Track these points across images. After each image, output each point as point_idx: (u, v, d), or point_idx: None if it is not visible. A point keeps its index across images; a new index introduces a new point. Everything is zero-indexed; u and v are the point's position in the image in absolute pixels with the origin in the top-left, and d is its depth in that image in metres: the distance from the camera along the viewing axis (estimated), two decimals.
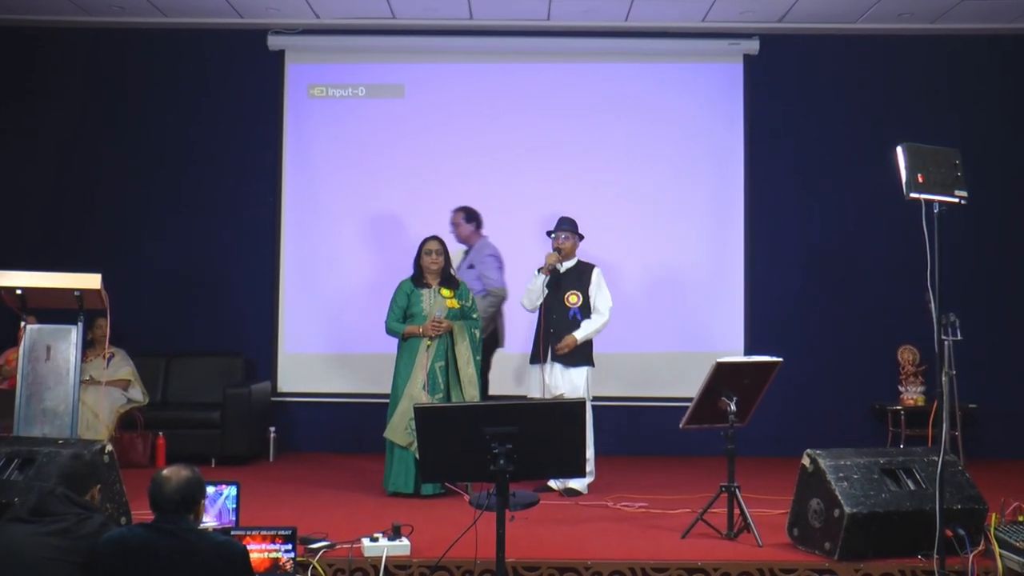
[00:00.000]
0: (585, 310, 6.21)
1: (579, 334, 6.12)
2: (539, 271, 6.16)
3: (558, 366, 6.11)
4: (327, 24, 7.97)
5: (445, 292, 6.19)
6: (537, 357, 6.14)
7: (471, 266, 6.78)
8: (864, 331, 7.82)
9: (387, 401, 6.17)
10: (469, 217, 6.96)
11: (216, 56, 8.08)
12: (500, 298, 6.79)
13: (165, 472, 3.24)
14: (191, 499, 3.21)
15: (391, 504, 5.78)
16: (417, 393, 6.00)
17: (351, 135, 7.98)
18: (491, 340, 6.81)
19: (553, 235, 6.29)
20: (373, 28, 7.98)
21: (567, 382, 6.10)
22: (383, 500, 5.92)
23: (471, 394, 6.06)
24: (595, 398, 6.27)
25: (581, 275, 6.28)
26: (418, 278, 6.24)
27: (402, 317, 6.20)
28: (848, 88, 8.01)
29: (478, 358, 6.19)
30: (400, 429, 6.00)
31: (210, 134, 8.06)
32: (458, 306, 6.20)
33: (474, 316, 6.27)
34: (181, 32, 8.04)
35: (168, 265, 7.98)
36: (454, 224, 6.98)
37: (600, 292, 6.25)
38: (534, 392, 6.10)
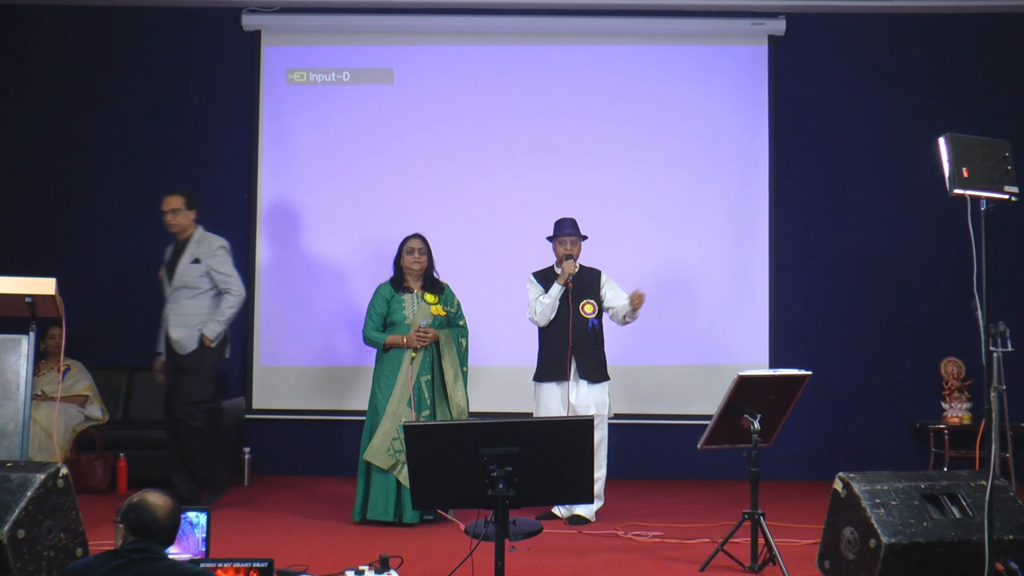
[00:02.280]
0: (600, 318, 6.24)
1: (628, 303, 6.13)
2: (557, 283, 6.15)
3: (583, 383, 6.11)
4: (307, 1, 7.97)
5: (429, 297, 6.19)
6: (555, 374, 6.13)
7: (196, 260, 6.43)
8: (903, 342, 7.81)
9: None
10: (191, 203, 6.54)
11: (184, 38, 8.08)
12: (241, 299, 6.49)
13: (149, 498, 3.29)
14: (178, 527, 3.32)
15: (377, 533, 5.76)
16: (401, 410, 5.98)
17: (334, 125, 7.97)
18: (220, 350, 6.50)
19: (557, 240, 6.27)
20: (358, 6, 7.98)
21: (594, 398, 6.11)
22: (369, 529, 5.90)
23: (460, 409, 6.06)
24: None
25: (590, 282, 6.28)
26: (398, 281, 6.23)
27: (382, 325, 6.19)
28: (884, 73, 8.00)
29: (465, 370, 6.19)
30: (382, 450, 5.97)
31: (178, 124, 8.06)
32: (444, 313, 6.19)
33: (460, 323, 6.27)
34: (143, 11, 8.05)
35: (131, 269, 7.96)
36: (172, 210, 6.46)
37: (616, 291, 6.28)
38: (553, 412, 6.08)
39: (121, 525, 3.28)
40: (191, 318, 6.43)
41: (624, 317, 6.22)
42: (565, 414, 6.01)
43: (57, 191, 8.03)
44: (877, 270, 7.92)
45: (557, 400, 6.11)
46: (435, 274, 6.30)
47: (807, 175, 7.97)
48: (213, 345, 6.42)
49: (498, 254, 7.70)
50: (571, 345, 6.09)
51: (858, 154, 7.96)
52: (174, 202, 6.51)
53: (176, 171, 7.99)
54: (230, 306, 6.46)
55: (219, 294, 6.48)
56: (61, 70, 8.09)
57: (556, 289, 6.15)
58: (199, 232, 6.57)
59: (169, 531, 3.26)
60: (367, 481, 6.02)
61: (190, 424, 6.40)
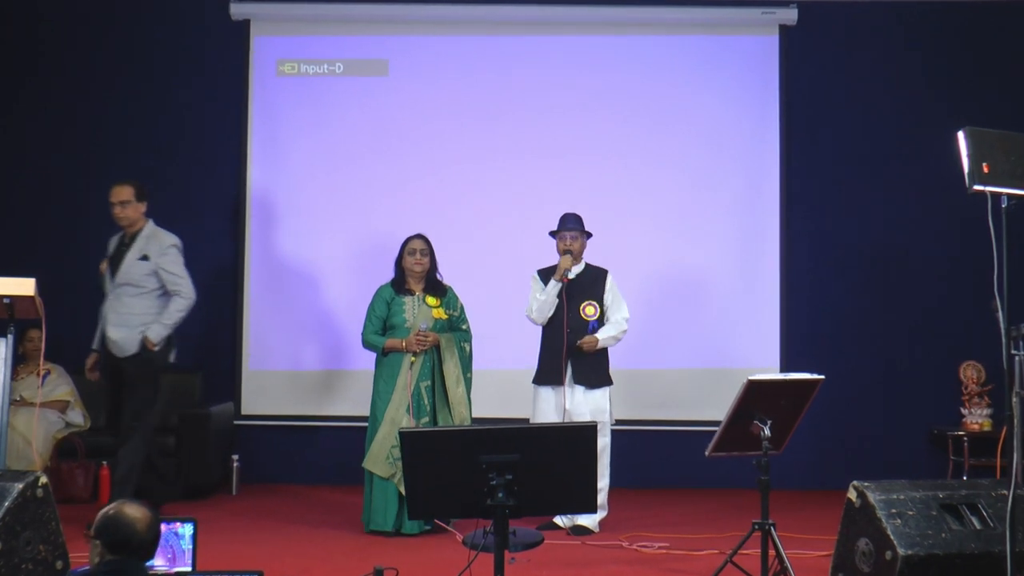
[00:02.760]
0: (602, 322, 6.24)
1: (601, 335, 6.13)
2: (553, 279, 6.15)
3: (579, 388, 6.11)
4: None
5: (431, 300, 6.19)
6: (551, 377, 6.13)
7: (144, 257, 6.23)
8: (920, 345, 7.80)
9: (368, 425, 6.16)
10: (141, 195, 6.35)
11: (169, 26, 8.08)
12: (190, 303, 6.29)
13: (126, 510, 3.19)
14: (159, 539, 3.23)
15: (372, 544, 5.76)
16: (400, 417, 5.99)
17: (327, 119, 7.96)
18: (165, 354, 6.27)
19: (558, 235, 6.27)
20: None
21: (591, 405, 6.10)
22: (363, 539, 5.89)
23: (462, 416, 6.06)
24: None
25: (594, 282, 6.28)
26: (399, 283, 6.23)
27: (381, 328, 6.19)
28: (901, 63, 7.99)
29: (468, 375, 6.18)
30: (381, 458, 5.98)
31: (163, 118, 8.05)
32: (445, 316, 6.20)
33: (463, 327, 6.27)
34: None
35: None
36: (121, 201, 6.25)
37: (616, 301, 6.29)
38: (548, 417, 6.09)
39: (96, 541, 3.20)
40: (132, 318, 6.16)
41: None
42: (560, 420, 6.01)
43: (36, 188, 8.02)
44: (893, 270, 7.90)
45: (552, 405, 6.11)
46: (438, 276, 6.29)
47: (820, 171, 7.95)
48: (156, 349, 6.14)
49: (500, 253, 7.69)
50: (566, 347, 6.08)
51: (873, 149, 7.95)
52: (123, 193, 6.26)
53: (161, 167, 7.97)
54: (179, 309, 6.20)
55: (165, 295, 6.22)
56: (40, 61, 8.07)
57: (552, 286, 6.15)
58: (149, 227, 6.34)
59: (150, 545, 3.18)
60: (371, 490, 6.04)
61: (137, 432, 6.11)
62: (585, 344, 6.07)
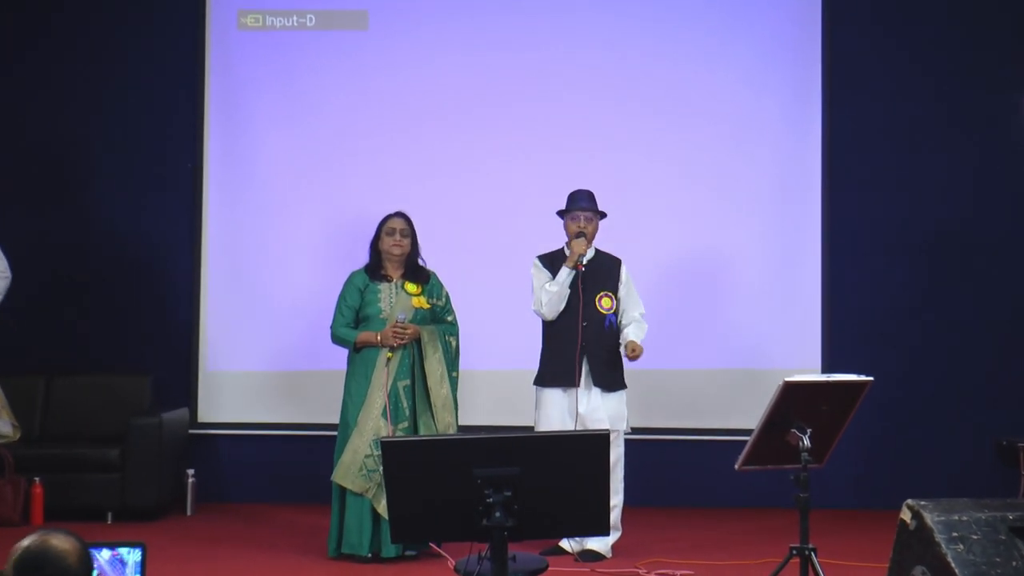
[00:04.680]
0: (619, 315, 6.26)
1: (638, 336, 6.17)
2: (565, 265, 6.15)
3: (597, 391, 6.12)
4: None
5: (410, 287, 6.19)
6: (561, 378, 6.13)
7: None
8: (986, 343, 7.80)
9: None
10: None
11: None
12: (7, 283, 6.22)
13: (53, 542, 3.14)
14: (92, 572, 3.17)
15: (347, 571, 5.78)
16: (374, 422, 5.99)
17: (296, 79, 7.96)
18: None
19: (569, 215, 6.27)
20: None
21: (610, 410, 6.12)
22: (336, 567, 5.90)
23: (446, 422, 6.07)
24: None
25: (609, 271, 6.29)
26: (375, 268, 6.24)
27: (354, 320, 6.19)
28: (963, 16, 7.98)
29: (455, 375, 6.19)
30: (352, 470, 5.98)
31: (107, 79, 8.04)
32: (428, 306, 6.20)
33: (449, 319, 6.28)
34: None
35: (48, 255, 7.96)
36: None
37: (631, 296, 6.33)
38: (558, 423, 6.09)
39: None
40: None
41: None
42: (571, 426, 6.00)
43: None
44: (953, 256, 7.89)
45: (562, 409, 6.11)
46: (420, 261, 6.30)
47: (868, 142, 7.94)
48: None
49: (493, 235, 7.69)
50: (581, 344, 6.08)
51: (930, 116, 7.93)
52: None
53: (105, 137, 7.99)
54: None
55: None
56: None
57: (564, 273, 6.14)
58: None
59: None
60: (342, 507, 6.04)
61: None
62: (638, 352, 6.09)
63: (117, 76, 8.04)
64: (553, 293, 6.14)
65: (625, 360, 6.27)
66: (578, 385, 6.09)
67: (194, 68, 7.97)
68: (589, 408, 6.09)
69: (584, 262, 6.17)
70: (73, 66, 8.04)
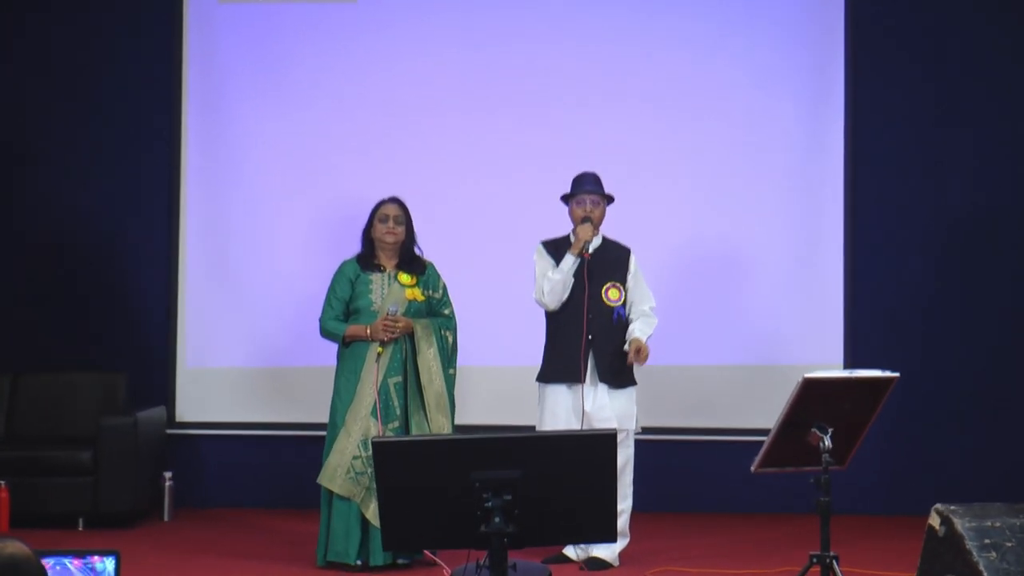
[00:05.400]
0: (627, 307, 6.25)
1: (645, 333, 6.16)
2: (569, 253, 6.14)
3: (603, 387, 6.12)
4: None
5: (404, 278, 6.19)
6: (565, 374, 6.13)
7: None
8: (1021, 338, 7.80)
9: None
10: None
11: None
12: None
13: (11, 551, 3.15)
14: None
15: None
16: (363, 421, 6.00)
17: (281, 55, 7.96)
18: None
19: (574, 199, 6.27)
20: None
21: (618, 408, 6.12)
22: (328, 575, 5.89)
23: (440, 423, 6.07)
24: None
25: (617, 261, 6.29)
26: (367, 257, 6.24)
27: (344, 313, 6.20)
28: None
29: (451, 371, 6.19)
30: (340, 473, 5.99)
31: (78, 56, 8.03)
32: (423, 298, 6.21)
33: (446, 312, 6.28)
34: None
35: (15, 243, 7.97)
36: None
37: (640, 288, 6.32)
38: (562, 421, 6.09)
39: None
40: None
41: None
42: (576, 425, 6.01)
43: None
44: (984, 246, 7.89)
45: (567, 407, 6.10)
46: (416, 249, 6.30)
47: (895, 121, 7.93)
48: None
49: (494, 222, 7.69)
50: (587, 337, 6.07)
51: (963, 93, 7.92)
52: None
53: (77, 116, 7.98)
54: None
55: None
56: None
57: (568, 261, 6.13)
58: None
59: None
60: (330, 512, 6.05)
61: None
62: (643, 354, 6.08)
63: (91, 58, 8.02)
64: (556, 281, 6.13)
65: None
66: (583, 381, 6.08)
67: (171, 44, 7.96)
68: (595, 406, 6.08)
69: (590, 250, 6.16)
70: (41, 42, 8.03)
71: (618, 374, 6.14)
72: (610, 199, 6.30)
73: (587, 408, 6.06)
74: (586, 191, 6.23)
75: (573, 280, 6.14)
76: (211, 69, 7.97)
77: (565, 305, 6.16)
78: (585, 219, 6.17)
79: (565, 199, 6.32)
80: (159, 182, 7.96)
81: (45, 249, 7.97)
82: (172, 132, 7.96)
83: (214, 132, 7.97)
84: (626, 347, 6.13)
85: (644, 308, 6.25)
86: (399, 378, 6.07)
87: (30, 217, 7.97)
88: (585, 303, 6.11)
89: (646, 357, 6.12)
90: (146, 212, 7.98)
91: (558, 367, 6.16)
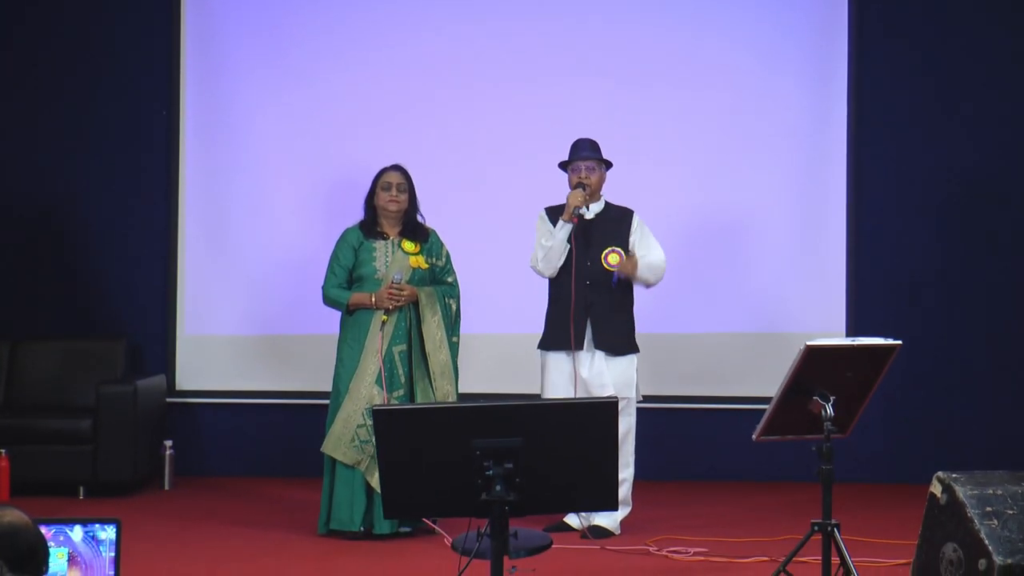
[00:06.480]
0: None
1: (645, 260, 6.14)
2: (561, 219, 6.12)
3: (600, 354, 6.11)
4: None
5: (408, 246, 6.18)
6: (562, 341, 6.13)
7: None
8: (1023, 306, 7.79)
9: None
10: None
11: None
12: None
13: (11, 519, 3.17)
14: (46, 554, 3.17)
15: (336, 550, 5.79)
16: (368, 389, 6.01)
17: (281, 23, 7.93)
18: None
19: (570, 166, 6.26)
20: None
21: (616, 375, 6.11)
22: (325, 544, 5.93)
23: (445, 390, 6.08)
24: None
25: (618, 224, 6.27)
26: (370, 225, 6.23)
27: (347, 280, 6.20)
28: None
29: (455, 339, 6.20)
30: (344, 441, 6.00)
31: (73, 26, 8.00)
32: (426, 266, 6.20)
33: (449, 280, 6.29)
34: None
35: (11, 213, 7.96)
36: None
37: (646, 241, 6.27)
38: (558, 390, 6.10)
39: None
40: None
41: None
42: (573, 392, 6.00)
43: None
44: (987, 213, 7.87)
45: (564, 374, 6.12)
46: (419, 217, 6.30)
47: (900, 84, 7.90)
48: None
49: (497, 189, 7.68)
50: (577, 304, 6.07)
51: (970, 56, 7.88)
52: None
53: (72, 87, 7.96)
54: None
55: None
56: None
57: (561, 227, 6.12)
58: None
59: (44, 560, 3.15)
60: (332, 481, 6.07)
61: None
62: (631, 263, 6.05)
63: (86, 28, 7.98)
64: (547, 248, 6.13)
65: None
66: (579, 348, 6.08)
67: (170, 11, 7.92)
68: (592, 372, 6.08)
69: (586, 215, 6.14)
70: (46, 20, 7.98)
71: (616, 341, 6.13)
72: (608, 164, 6.28)
73: (584, 375, 6.07)
74: (581, 157, 6.22)
75: (568, 246, 6.14)
76: (211, 36, 7.94)
77: (561, 271, 6.16)
78: (579, 185, 6.16)
79: (563, 166, 6.32)
80: (158, 150, 7.94)
81: (45, 223, 7.96)
82: (171, 101, 7.93)
83: (213, 101, 7.94)
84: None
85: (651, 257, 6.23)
86: (403, 346, 6.08)
87: (33, 192, 7.96)
88: (573, 269, 6.10)
89: (629, 271, 6.09)
90: (145, 180, 7.96)
91: (555, 334, 6.17)
